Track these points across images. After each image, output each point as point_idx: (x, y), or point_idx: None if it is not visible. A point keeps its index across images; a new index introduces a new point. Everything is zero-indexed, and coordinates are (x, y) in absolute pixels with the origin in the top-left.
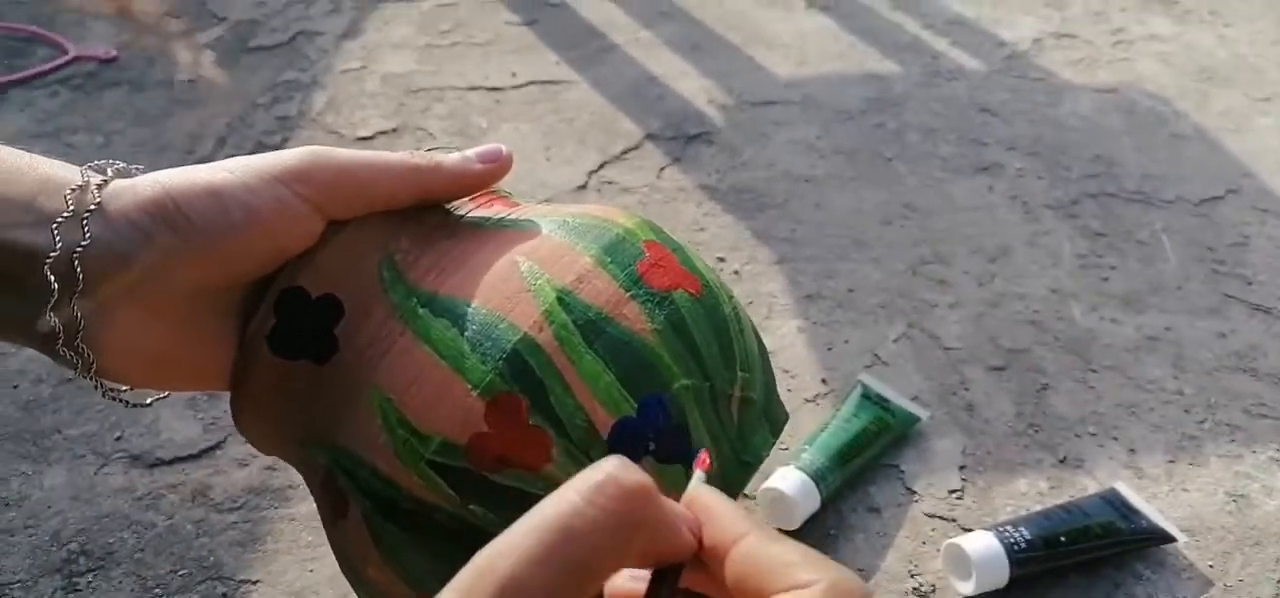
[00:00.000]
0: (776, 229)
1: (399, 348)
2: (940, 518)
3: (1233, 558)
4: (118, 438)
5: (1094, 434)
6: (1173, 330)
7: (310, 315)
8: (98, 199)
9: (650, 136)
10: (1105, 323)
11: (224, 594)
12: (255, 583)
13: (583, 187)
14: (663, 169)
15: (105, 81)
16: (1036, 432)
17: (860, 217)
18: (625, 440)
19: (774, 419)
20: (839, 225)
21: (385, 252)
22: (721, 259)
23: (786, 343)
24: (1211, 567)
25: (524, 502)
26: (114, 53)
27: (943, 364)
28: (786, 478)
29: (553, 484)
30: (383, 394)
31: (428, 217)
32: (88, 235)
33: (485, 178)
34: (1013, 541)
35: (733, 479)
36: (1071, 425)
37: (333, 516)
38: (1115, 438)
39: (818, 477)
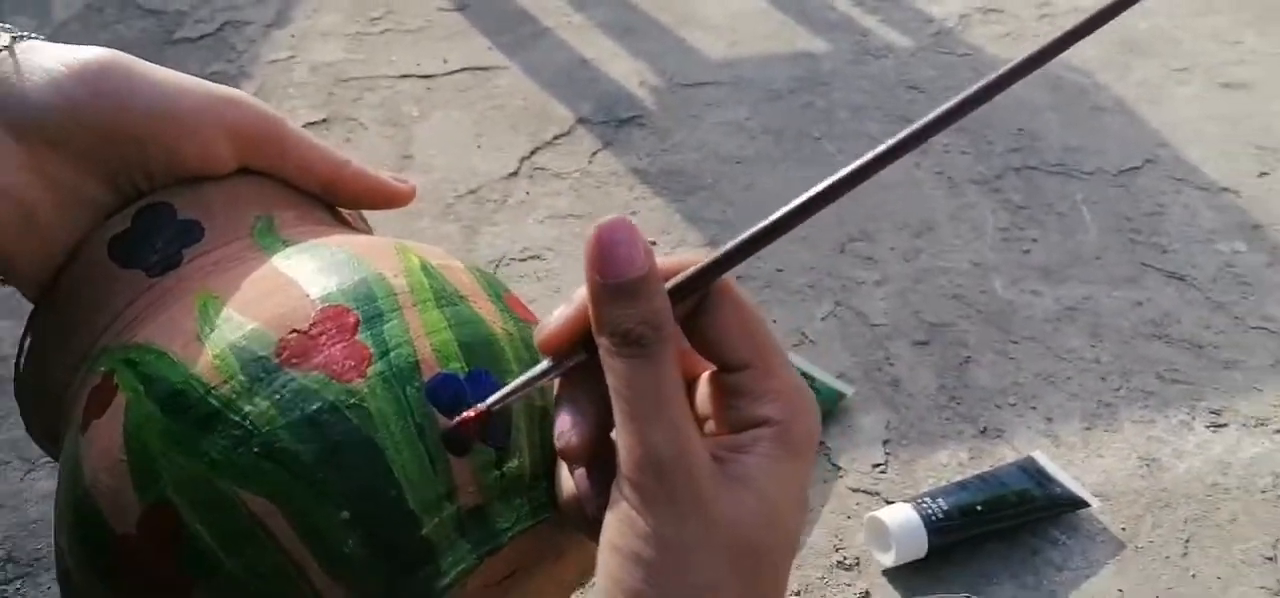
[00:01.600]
0: (707, 211)
1: (246, 265)
2: (864, 492)
3: (1144, 521)
4: None
5: (1013, 404)
6: (1091, 300)
7: (168, 231)
8: (6, 42)
9: (582, 121)
10: (1026, 295)
11: None
12: None
13: (514, 173)
14: (594, 154)
15: None
16: (958, 404)
17: (789, 196)
18: (446, 392)
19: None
20: (768, 205)
21: (266, 210)
22: (653, 242)
23: None
24: (1124, 529)
25: (308, 409)
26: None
27: (868, 341)
28: None
29: (352, 397)
30: (210, 294)
31: (320, 211)
32: None
33: (391, 193)
34: (930, 512)
35: (539, 504)
36: (992, 397)
37: (86, 420)
38: (1034, 408)
39: None
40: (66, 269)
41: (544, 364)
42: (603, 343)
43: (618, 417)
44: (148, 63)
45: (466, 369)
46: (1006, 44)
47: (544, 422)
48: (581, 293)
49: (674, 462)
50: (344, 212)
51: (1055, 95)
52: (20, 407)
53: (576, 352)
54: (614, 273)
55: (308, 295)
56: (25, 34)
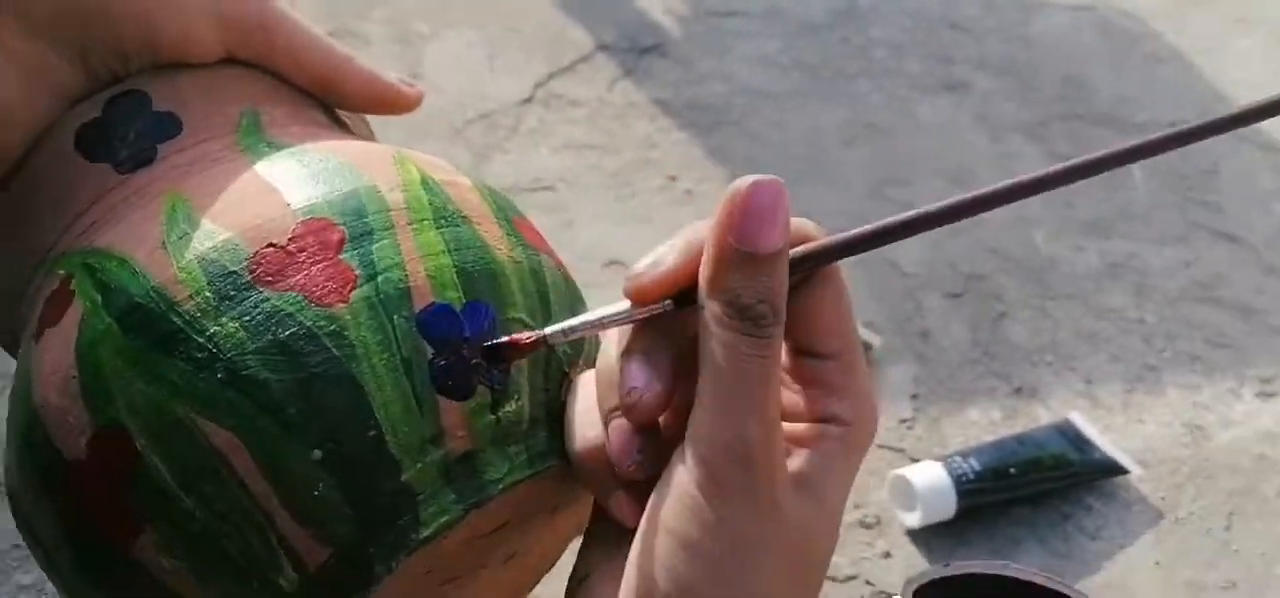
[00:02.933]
0: (732, 147)
1: (224, 167)
2: (889, 448)
3: (1185, 490)
4: None
5: (1050, 363)
6: (1137, 258)
7: (141, 123)
8: None
9: (602, 47)
10: (1068, 250)
11: None
12: None
13: (528, 99)
14: (614, 82)
15: None
16: (991, 361)
17: (820, 136)
18: (438, 325)
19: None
20: (798, 145)
21: (253, 105)
22: (672, 178)
23: None
24: (1163, 499)
25: (281, 334)
26: None
27: (899, 291)
28: None
29: (331, 324)
30: (180, 197)
31: (316, 111)
32: None
33: (395, 98)
34: (961, 472)
35: (537, 452)
36: (1028, 355)
37: (40, 328)
38: (1072, 368)
39: None
40: (29, 158)
41: (621, 306)
42: (713, 309)
43: (709, 392)
44: None
45: (464, 301)
46: None
47: (548, 361)
48: (687, 239)
49: (763, 457)
50: (344, 116)
51: (1107, 42)
52: None
53: (662, 301)
54: (752, 242)
55: (288, 206)
56: None
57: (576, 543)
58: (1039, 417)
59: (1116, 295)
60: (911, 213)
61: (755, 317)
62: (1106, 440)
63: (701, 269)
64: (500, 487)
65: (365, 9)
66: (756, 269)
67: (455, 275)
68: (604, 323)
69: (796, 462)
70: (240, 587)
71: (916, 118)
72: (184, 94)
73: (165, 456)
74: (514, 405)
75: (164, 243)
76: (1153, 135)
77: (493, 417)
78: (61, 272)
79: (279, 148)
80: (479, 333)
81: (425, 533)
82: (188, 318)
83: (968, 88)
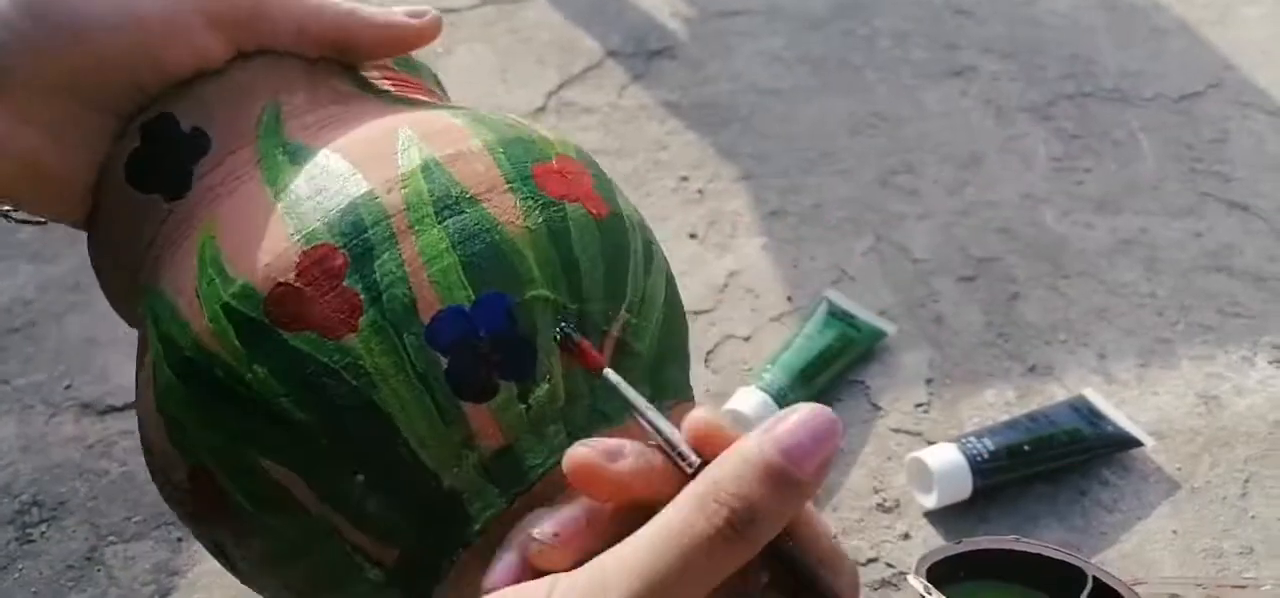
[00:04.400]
0: (741, 145)
1: (244, 189)
2: (905, 432)
3: (1201, 460)
4: (67, 387)
5: (1064, 341)
6: (1148, 232)
7: (175, 147)
8: None
9: (611, 54)
10: (1078, 228)
11: (180, 539)
12: None
13: (541, 109)
14: (624, 87)
15: None
16: (1005, 341)
17: (828, 128)
18: (449, 332)
19: (662, 385)
20: (806, 138)
21: (274, 98)
22: (684, 178)
23: (751, 261)
24: (1179, 469)
25: (308, 373)
26: None
27: (911, 276)
28: (747, 398)
29: (346, 357)
30: (209, 232)
31: (337, 80)
32: None
33: (410, 35)
34: (975, 452)
35: (577, 426)
36: (1041, 333)
37: (137, 370)
38: (1085, 344)
39: (779, 396)
40: (99, 200)
41: (668, 427)
42: (716, 494)
43: (656, 534)
44: None
45: (473, 298)
46: None
47: (584, 328)
48: (743, 442)
49: None
50: (375, 65)
51: (1111, 17)
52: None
53: (685, 456)
54: (801, 468)
55: (290, 238)
56: None
57: None
58: (1054, 395)
59: (1128, 270)
60: None
61: (749, 529)
62: (1120, 414)
63: (730, 466)
64: (540, 472)
65: None
66: (784, 492)
67: (462, 273)
68: (653, 425)
69: None
70: (339, 587)
71: (923, 105)
72: (208, 104)
73: (244, 490)
74: (545, 388)
75: (197, 291)
76: None
77: (522, 406)
78: (141, 311)
79: (292, 152)
80: (495, 327)
81: (477, 527)
82: (227, 368)
83: (974, 72)
